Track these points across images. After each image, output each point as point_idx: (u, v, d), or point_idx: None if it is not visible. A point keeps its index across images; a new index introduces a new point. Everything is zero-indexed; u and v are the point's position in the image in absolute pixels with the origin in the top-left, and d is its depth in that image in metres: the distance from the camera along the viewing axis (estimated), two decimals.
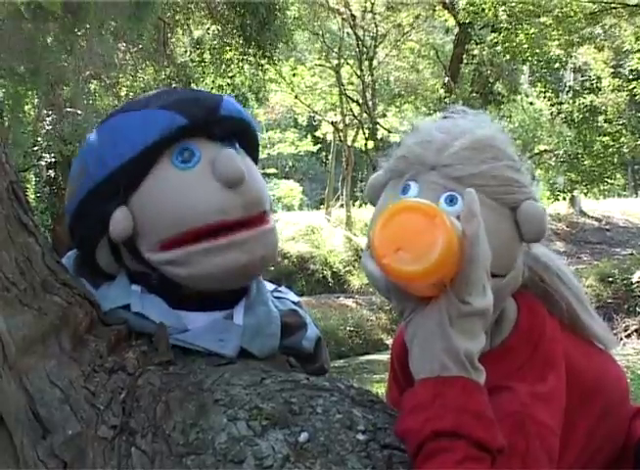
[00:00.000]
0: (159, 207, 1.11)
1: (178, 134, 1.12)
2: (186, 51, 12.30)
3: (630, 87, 14.06)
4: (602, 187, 17.15)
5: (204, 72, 12.19)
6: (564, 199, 18.58)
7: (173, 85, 10.87)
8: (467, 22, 14.68)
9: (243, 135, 1.22)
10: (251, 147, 1.25)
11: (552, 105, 15.51)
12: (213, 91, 12.39)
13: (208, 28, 12.14)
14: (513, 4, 12.94)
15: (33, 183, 12.07)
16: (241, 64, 12.16)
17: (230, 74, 12.32)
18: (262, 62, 12.01)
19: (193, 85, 11.37)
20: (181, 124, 1.11)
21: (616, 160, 14.66)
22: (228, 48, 11.86)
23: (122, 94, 10.95)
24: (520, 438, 0.96)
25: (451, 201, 1.04)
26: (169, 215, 1.10)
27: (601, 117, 14.81)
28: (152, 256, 1.13)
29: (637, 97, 14.09)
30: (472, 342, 0.92)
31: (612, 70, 15.85)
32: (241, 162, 1.13)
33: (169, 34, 11.48)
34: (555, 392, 1.07)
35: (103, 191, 1.12)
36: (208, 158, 1.13)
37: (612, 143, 14.48)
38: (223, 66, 12.08)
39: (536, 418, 1.00)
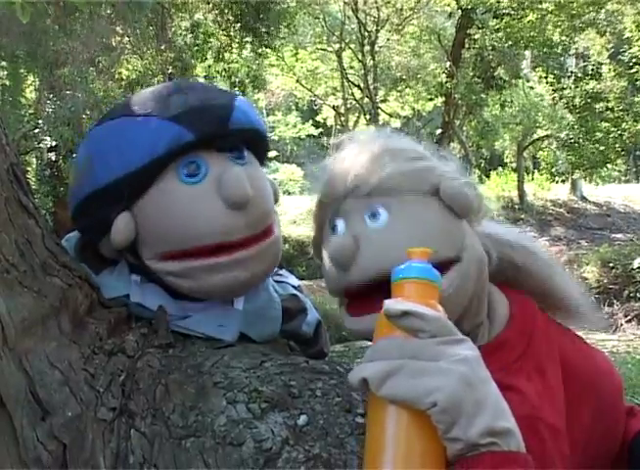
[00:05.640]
0: (161, 220, 1.09)
1: (185, 148, 1.09)
2: (181, 35, 12.18)
3: (632, 71, 13.98)
4: (603, 173, 17.08)
5: (200, 58, 12.07)
6: (562, 182, 18.53)
7: (170, 71, 10.81)
8: (469, 6, 14.56)
9: (252, 141, 1.21)
10: (259, 150, 1.23)
11: (554, 90, 15.41)
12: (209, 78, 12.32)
13: (206, 14, 12.04)
14: None
15: (35, 166, 11.99)
16: (239, 49, 12.07)
17: (228, 60, 12.23)
18: (262, 48, 11.94)
19: (189, 71, 11.28)
20: (189, 140, 1.09)
21: (617, 145, 14.59)
22: (225, 33, 11.76)
23: (122, 77, 10.88)
24: (535, 441, 0.96)
25: (373, 216, 1.06)
26: (171, 231, 1.09)
27: (602, 104, 14.74)
28: (152, 264, 1.12)
29: (638, 82, 14.02)
30: None
31: (612, 56, 15.75)
32: (247, 181, 1.10)
33: (169, 19, 11.39)
34: (555, 388, 1.07)
35: (106, 196, 1.10)
36: (215, 173, 1.10)
37: (613, 129, 14.41)
38: (221, 51, 11.98)
39: (547, 421, 1.02)
